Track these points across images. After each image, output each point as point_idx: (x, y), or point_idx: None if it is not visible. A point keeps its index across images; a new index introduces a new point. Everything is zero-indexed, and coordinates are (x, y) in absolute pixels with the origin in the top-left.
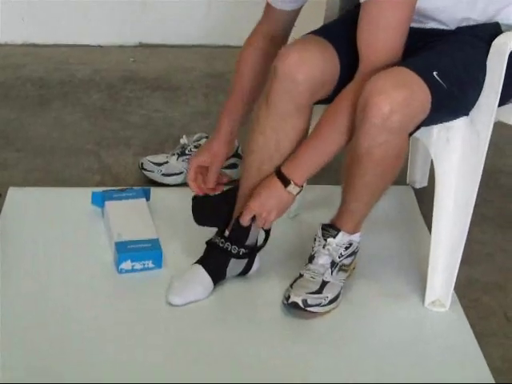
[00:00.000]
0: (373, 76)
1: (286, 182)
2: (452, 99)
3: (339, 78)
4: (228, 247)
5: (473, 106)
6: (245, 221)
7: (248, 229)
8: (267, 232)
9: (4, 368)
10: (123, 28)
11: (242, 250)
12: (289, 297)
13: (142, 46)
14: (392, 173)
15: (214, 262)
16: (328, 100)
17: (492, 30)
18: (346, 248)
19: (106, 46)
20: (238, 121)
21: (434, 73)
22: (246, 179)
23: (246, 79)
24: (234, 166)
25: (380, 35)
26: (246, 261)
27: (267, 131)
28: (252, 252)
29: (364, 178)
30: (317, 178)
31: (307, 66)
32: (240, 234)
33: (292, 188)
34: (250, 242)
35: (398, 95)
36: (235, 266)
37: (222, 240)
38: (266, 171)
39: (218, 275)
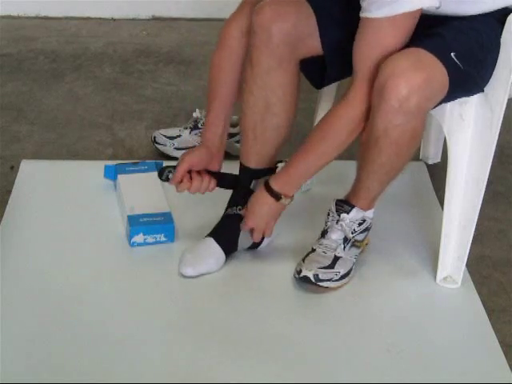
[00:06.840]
0: (391, 56)
1: (277, 197)
2: (468, 79)
3: (322, 37)
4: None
5: (487, 83)
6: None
7: (249, 191)
8: None
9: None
10: (136, 1)
11: None
12: (300, 271)
13: (154, 19)
14: (408, 153)
15: (226, 234)
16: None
17: (503, 12)
18: (360, 224)
19: (118, 19)
20: (227, 125)
21: (452, 54)
22: (244, 142)
23: (228, 84)
24: None
25: (378, 56)
26: None
27: (254, 90)
28: None
29: (380, 158)
30: None
31: (281, 18)
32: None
33: (284, 200)
34: None
35: (416, 78)
36: (246, 236)
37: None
38: (260, 133)
39: (229, 247)
